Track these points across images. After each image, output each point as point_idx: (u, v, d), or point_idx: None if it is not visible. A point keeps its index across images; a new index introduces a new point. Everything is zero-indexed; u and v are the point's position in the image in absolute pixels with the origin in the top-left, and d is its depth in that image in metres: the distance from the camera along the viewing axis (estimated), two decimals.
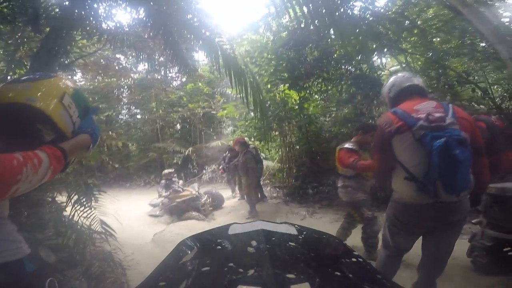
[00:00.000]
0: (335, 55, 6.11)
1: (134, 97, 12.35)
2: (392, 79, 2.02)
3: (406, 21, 4.95)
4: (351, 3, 4.56)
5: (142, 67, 11.64)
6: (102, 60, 9.55)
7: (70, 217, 2.84)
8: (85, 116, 1.12)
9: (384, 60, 6.29)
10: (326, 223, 5.01)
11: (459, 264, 2.77)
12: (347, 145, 3.27)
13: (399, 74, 2.02)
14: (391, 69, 6.36)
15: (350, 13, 4.54)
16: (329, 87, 6.62)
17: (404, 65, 5.69)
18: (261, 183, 7.75)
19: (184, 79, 12.36)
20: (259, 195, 6.60)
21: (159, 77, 12.45)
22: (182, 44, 5.19)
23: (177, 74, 12.42)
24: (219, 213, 6.60)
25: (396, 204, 1.87)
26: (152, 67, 6.54)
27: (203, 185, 9.79)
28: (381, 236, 2.21)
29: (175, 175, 7.41)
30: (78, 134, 1.06)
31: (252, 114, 8.82)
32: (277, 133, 7.23)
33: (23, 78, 1.03)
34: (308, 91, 6.70)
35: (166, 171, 7.46)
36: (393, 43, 4.94)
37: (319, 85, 6.78)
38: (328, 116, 6.84)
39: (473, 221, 2.78)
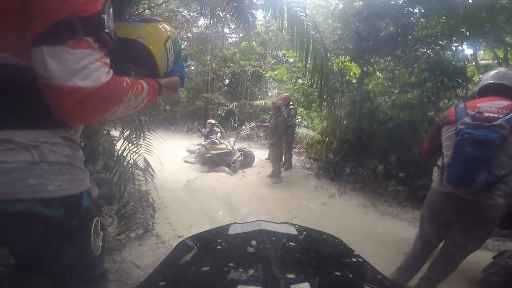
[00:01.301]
0: (415, 35, 5.17)
1: (192, 49, 12.24)
2: (486, 73, 1.93)
3: None
4: None
5: (203, 21, 11.56)
6: (166, 13, 9.53)
7: (119, 152, 2.75)
8: (177, 61, 1.12)
9: (475, 51, 5.14)
10: (353, 206, 4.59)
11: (468, 277, 2.54)
12: None
13: (499, 69, 1.89)
14: (481, 62, 5.23)
15: None
16: (398, 67, 5.71)
17: (501, 61, 4.60)
18: (296, 151, 7.33)
19: (240, 36, 11.95)
20: (286, 163, 6.24)
21: (216, 32, 12.10)
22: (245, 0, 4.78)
23: (234, 31, 12.01)
24: (249, 171, 6.39)
25: (430, 190, 1.93)
26: (212, 21, 6.19)
27: (240, 140, 9.73)
28: None
29: (214, 126, 7.27)
30: (170, 75, 1.07)
31: (300, 81, 8.25)
32: (325, 103, 6.53)
33: (137, 19, 1.12)
34: (371, 67, 5.85)
35: (210, 120, 7.37)
36: (493, 34, 3.93)
37: (386, 63, 5.89)
38: (388, 97, 5.95)
39: None
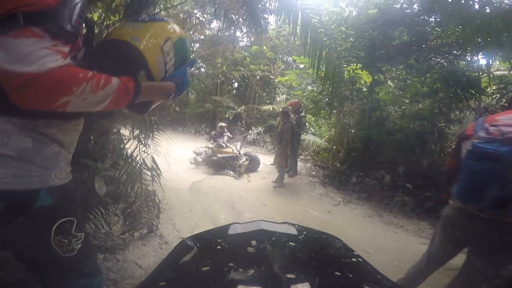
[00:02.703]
0: (429, 44, 5.11)
1: (203, 52, 12.30)
2: None
3: None
4: None
5: (215, 24, 11.63)
6: (181, 14, 9.63)
7: (128, 151, 2.77)
8: (181, 66, 1.05)
9: (490, 61, 5.11)
10: (359, 216, 4.48)
11: None
12: None
13: None
14: (495, 72, 5.17)
15: (463, 2, 3.58)
16: (410, 76, 5.64)
17: None
18: (302, 158, 7.28)
19: (252, 39, 12.03)
20: (292, 169, 6.16)
21: (228, 35, 12.22)
22: (258, 4, 4.78)
23: (245, 34, 12.08)
24: (254, 176, 6.32)
25: (448, 205, 1.78)
26: (225, 24, 6.23)
27: (246, 145, 9.68)
28: None
29: (225, 129, 7.27)
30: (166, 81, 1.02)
31: (310, 87, 8.22)
32: (334, 111, 6.45)
33: (140, 18, 1.03)
34: (383, 76, 5.80)
35: (221, 123, 7.38)
36: (510, 45, 3.88)
37: (398, 72, 5.84)
38: (398, 107, 5.87)
39: None
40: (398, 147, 5.04)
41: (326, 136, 7.52)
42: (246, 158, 6.35)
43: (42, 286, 0.98)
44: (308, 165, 7.06)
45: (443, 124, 4.99)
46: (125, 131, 3.02)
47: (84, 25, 0.86)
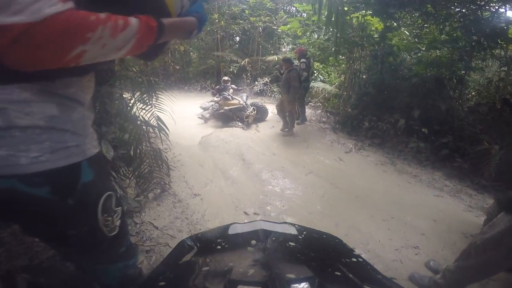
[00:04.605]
0: None
1: None
2: None
3: None
4: None
5: None
6: None
7: (132, 112, 2.60)
8: (196, 1, 0.88)
9: None
10: (371, 163, 4.16)
11: None
12: None
13: None
14: None
15: None
16: (427, 25, 4.97)
17: None
18: (312, 105, 6.92)
19: None
20: (300, 117, 5.79)
21: None
22: None
23: None
24: (263, 126, 6.01)
25: None
26: None
27: (253, 96, 9.33)
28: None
29: (229, 83, 6.87)
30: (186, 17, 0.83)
31: (315, 35, 7.45)
32: (343, 57, 5.78)
33: None
34: (395, 23, 5.11)
35: (224, 77, 7.04)
36: None
37: (413, 19, 5.16)
38: (413, 53, 5.30)
39: None
40: (414, 91, 4.55)
41: (336, 83, 7.00)
42: (253, 108, 6.03)
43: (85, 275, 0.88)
44: (318, 111, 6.65)
45: (463, 72, 4.49)
46: (127, 95, 2.80)
47: None
